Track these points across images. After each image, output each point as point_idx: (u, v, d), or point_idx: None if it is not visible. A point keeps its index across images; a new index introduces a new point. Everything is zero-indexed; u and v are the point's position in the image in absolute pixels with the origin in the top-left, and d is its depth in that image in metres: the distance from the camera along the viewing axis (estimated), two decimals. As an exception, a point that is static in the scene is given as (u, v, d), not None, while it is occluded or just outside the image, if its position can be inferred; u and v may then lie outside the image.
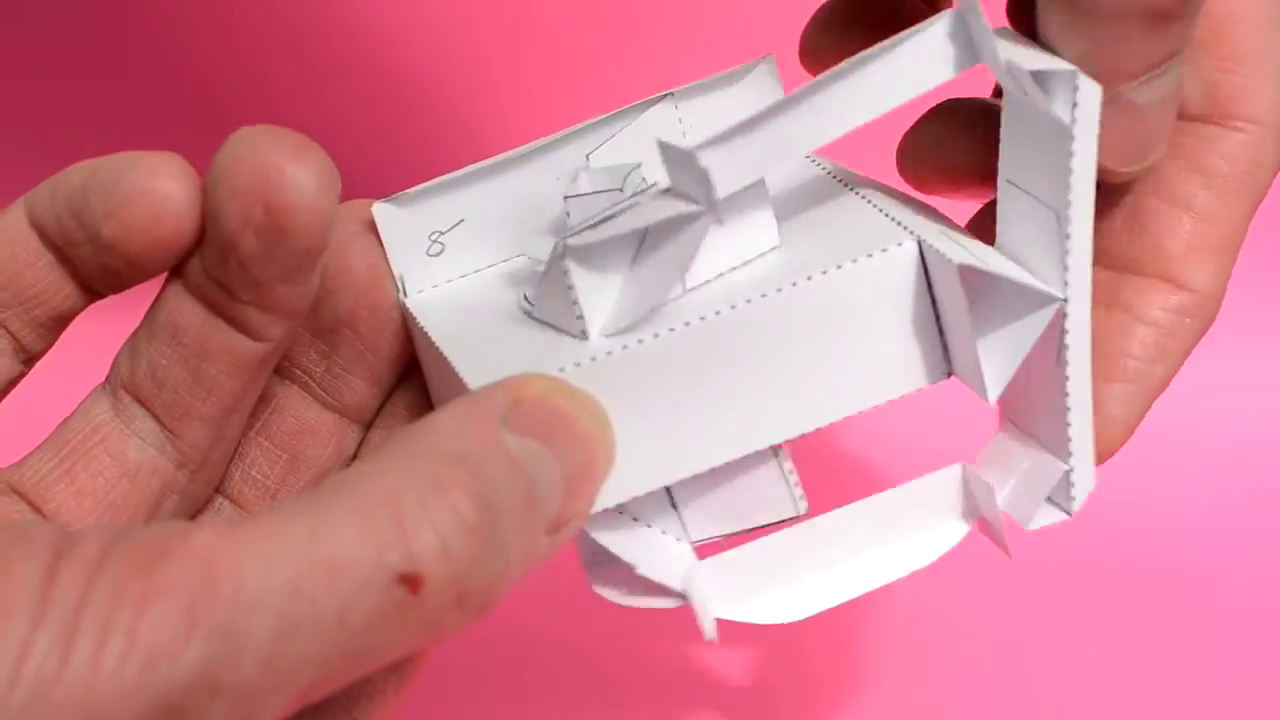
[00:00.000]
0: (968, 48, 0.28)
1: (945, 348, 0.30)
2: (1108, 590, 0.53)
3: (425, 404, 0.32)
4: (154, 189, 0.27)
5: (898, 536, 0.31)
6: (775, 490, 0.30)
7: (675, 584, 0.30)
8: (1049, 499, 0.30)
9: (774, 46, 0.35)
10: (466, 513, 0.23)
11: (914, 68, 0.29)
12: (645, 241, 0.28)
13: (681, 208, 0.28)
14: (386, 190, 0.31)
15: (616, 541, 0.29)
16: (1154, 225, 0.31)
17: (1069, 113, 0.27)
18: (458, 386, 0.28)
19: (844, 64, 0.28)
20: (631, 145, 0.32)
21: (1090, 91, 0.27)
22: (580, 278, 0.28)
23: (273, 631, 0.21)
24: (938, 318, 0.29)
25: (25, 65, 0.60)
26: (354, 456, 0.32)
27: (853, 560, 0.31)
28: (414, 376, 0.32)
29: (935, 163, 0.34)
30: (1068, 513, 0.30)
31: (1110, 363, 0.31)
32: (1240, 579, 0.53)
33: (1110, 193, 0.31)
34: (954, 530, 0.31)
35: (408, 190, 0.31)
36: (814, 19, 0.35)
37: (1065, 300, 0.28)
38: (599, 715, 0.49)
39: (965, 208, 0.34)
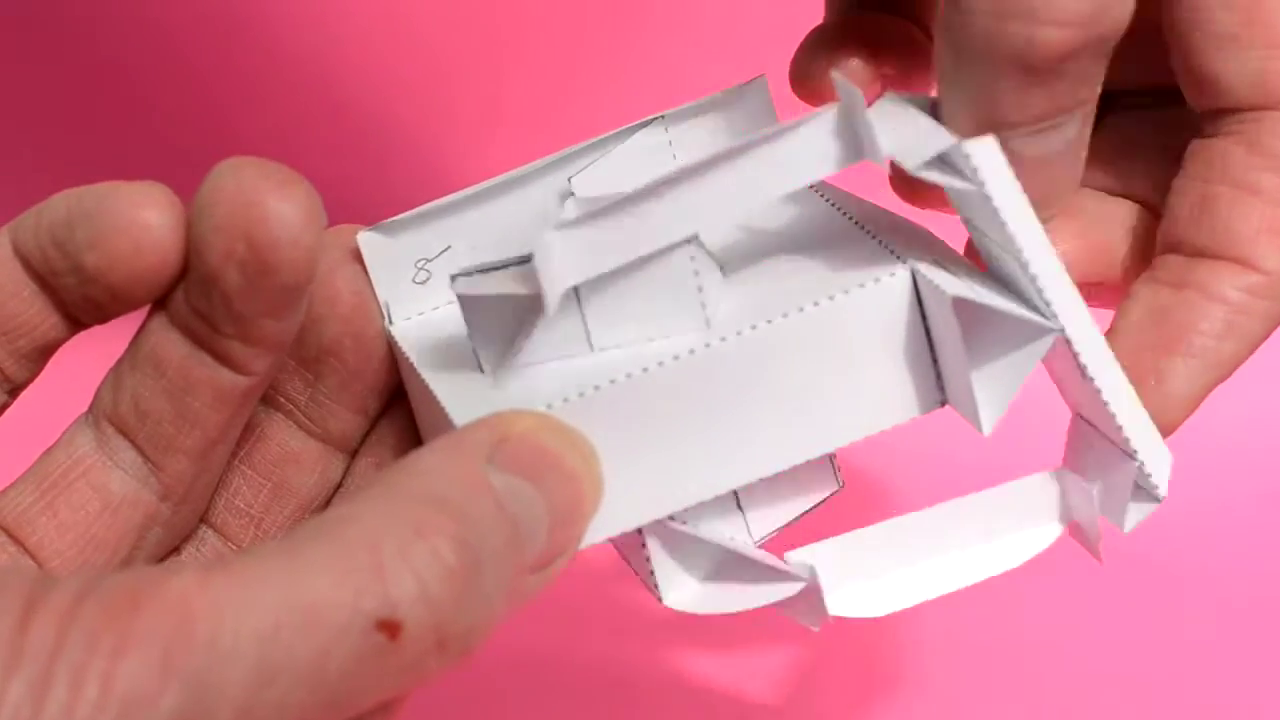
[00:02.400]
0: (852, 143, 0.28)
1: (939, 376, 0.29)
2: (1106, 590, 0.52)
3: (412, 431, 0.32)
4: (137, 220, 0.26)
5: (990, 536, 0.31)
6: (820, 469, 0.31)
7: (791, 570, 0.30)
8: (1134, 497, 0.30)
9: (769, 64, 0.34)
10: (447, 556, 0.22)
11: (793, 162, 0.28)
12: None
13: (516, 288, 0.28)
14: (358, 218, 0.31)
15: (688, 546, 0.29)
16: (1223, 211, 0.31)
17: (975, 178, 0.27)
18: (443, 420, 0.28)
19: (719, 152, 0.28)
20: (620, 169, 0.32)
21: (985, 151, 0.27)
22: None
23: (249, 680, 0.21)
24: (931, 346, 0.29)
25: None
26: (339, 485, 0.32)
27: (942, 557, 0.31)
28: (400, 404, 0.32)
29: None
30: (1157, 499, 0.30)
31: (1175, 338, 0.31)
32: (1241, 579, 0.53)
33: (1178, 183, 0.31)
34: (1047, 532, 0.31)
35: (394, 218, 0.31)
36: (804, 44, 0.34)
37: (1062, 330, 0.28)
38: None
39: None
